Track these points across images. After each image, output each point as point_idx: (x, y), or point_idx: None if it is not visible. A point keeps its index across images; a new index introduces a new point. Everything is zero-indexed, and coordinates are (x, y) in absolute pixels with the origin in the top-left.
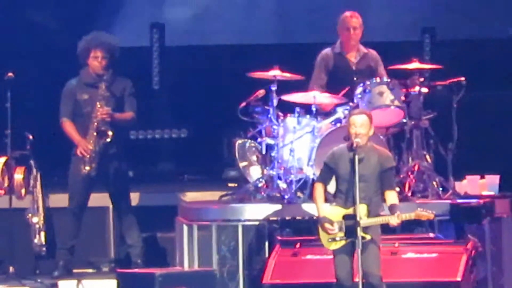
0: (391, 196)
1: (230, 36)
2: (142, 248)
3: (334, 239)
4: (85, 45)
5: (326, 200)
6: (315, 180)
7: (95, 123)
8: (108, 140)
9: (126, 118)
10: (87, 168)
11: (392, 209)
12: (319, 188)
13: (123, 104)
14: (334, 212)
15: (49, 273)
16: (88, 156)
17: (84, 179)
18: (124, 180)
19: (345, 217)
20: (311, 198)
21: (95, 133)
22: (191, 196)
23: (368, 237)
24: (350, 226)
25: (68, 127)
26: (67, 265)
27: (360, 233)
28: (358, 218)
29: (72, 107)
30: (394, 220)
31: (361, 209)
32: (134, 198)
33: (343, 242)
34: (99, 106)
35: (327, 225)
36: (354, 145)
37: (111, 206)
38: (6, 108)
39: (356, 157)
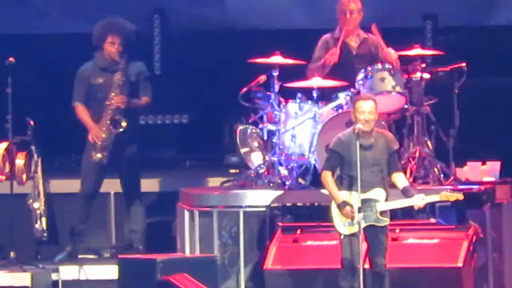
0: (401, 178)
1: (232, 21)
2: (143, 235)
3: (351, 223)
4: (102, 30)
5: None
6: (323, 168)
7: (109, 111)
8: (122, 130)
9: (142, 104)
10: (98, 155)
11: (407, 192)
12: (328, 176)
13: (138, 88)
14: (350, 197)
15: (50, 259)
16: (99, 143)
17: (95, 165)
18: (136, 166)
19: (363, 201)
20: (312, 184)
21: (108, 122)
22: (192, 182)
23: (387, 220)
24: (368, 210)
25: (81, 111)
26: (74, 249)
27: (380, 217)
28: (381, 204)
29: (86, 91)
30: (421, 202)
31: (381, 194)
32: (141, 186)
33: (361, 225)
34: (113, 94)
35: (348, 208)
36: (356, 130)
37: (112, 192)
38: (7, 93)
39: (358, 143)
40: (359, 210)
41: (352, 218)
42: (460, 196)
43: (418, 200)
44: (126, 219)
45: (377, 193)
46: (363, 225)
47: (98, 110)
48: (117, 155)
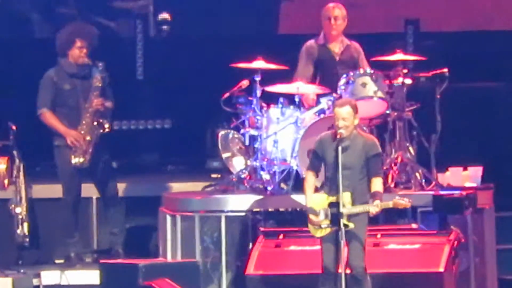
0: (376, 183)
1: (214, 27)
2: (123, 237)
3: (320, 227)
4: (69, 35)
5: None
6: (307, 168)
7: (88, 114)
8: (107, 131)
9: (111, 108)
10: (80, 159)
11: (373, 196)
12: (309, 176)
13: (104, 93)
14: (320, 200)
15: (31, 264)
16: (81, 147)
17: (76, 171)
18: (110, 169)
19: (330, 204)
20: (294, 189)
21: (95, 124)
22: (174, 187)
23: (351, 225)
24: (335, 214)
25: (50, 117)
26: (78, 254)
27: (344, 222)
28: (341, 209)
29: (53, 97)
30: (373, 209)
31: (346, 197)
32: (118, 188)
33: (328, 230)
34: (93, 97)
35: (311, 216)
36: (338, 136)
37: (94, 197)
38: None
39: (340, 147)
40: (326, 214)
41: (314, 225)
42: (408, 204)
43: (373, 206)
44: (105, 222)
45: (343, 197)
46: (329, 229)
47: (69, 115)
48: (93, 160)
